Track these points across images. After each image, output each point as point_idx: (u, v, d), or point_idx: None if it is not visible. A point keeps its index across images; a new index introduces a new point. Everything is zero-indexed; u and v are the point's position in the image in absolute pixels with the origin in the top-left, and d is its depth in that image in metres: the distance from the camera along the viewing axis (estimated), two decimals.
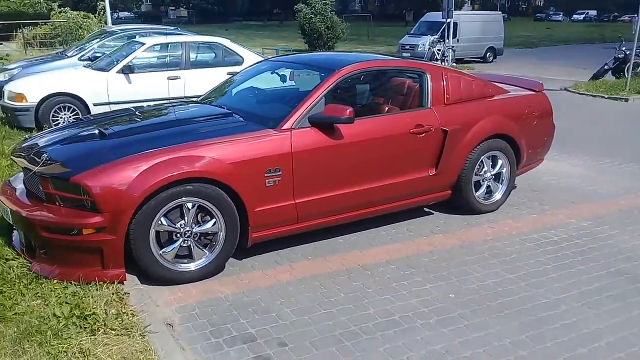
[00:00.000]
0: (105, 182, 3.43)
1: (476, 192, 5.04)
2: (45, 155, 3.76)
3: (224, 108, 4.56)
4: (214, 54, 9.13)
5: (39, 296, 3.33)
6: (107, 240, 3.46)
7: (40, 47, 20.76)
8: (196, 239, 3.74)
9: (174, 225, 3.64)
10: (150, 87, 8.32)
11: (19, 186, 3.98)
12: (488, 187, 5.13)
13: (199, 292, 3.62)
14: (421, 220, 4.93)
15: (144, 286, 3.63)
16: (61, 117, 7.97)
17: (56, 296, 3.32)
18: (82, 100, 8.05)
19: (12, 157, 4.25)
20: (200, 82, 8.21)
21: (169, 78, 8.48)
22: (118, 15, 72.84)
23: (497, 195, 5.18)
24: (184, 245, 3.70)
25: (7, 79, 9.61)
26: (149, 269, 3.61)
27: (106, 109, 7.83)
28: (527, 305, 3.48)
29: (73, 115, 8.02)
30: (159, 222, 3.57)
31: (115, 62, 8.44)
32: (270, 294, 3.60)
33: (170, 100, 6.72)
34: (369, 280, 3.81)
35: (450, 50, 18.02)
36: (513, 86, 5.68)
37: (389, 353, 2.98)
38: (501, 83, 5.72)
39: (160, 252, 3.62)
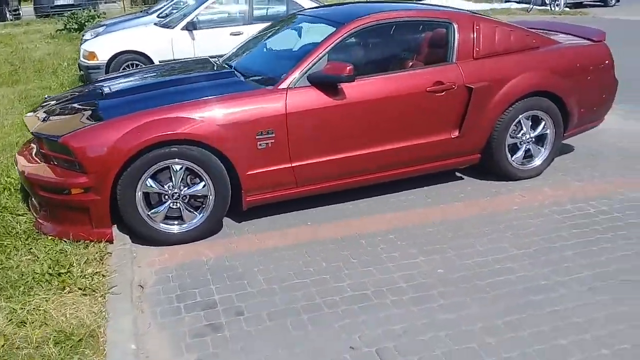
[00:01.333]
0: (90, 143, 3.49)
1: (512, 156, 4.58)
2: (45, 115, 3.90)
3: (231, 67, 4.45)
4: (279, 8, 8.98)
5: (30, 252, 3.51)
6: (94, 200, 3.55)
7: (143, 4, 21.65)
8: (186, 201, 3.73)
9: (162, 187, 3.66)
10: (213, 43, 8.35)
11: (35, 146, 4.18)
12: (528, 150, 4.65)
13: (185, 254, 3.64)
14: (446, 186, 4.58)
15: (135, 246, 3.70)
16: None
17: (46, 252, 3.48)
18: (149, 58, 8.29)
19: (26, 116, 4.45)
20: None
21: (231, 34, 8.48)
22: None
23: (538, 160, 4.68)
24: (174, 207, 3.72)
25: (92, 37, 10.11)
26: (136, 230, 3.67)
27: None
28: (519, 286, 3.13)
29: None
30: (146, 184, 3.60)
31: (181, 19, 8.57)
32: (251, 260, 3.53)
33: (188, 59, 6.67)
34: (358, 250, 3.61)
35: None
36: (569, 35, 5.03)
37: (342, 329, 2.81)
38: (555, 32, 5.10)
39: (149, 213, 3.67)
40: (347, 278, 3.29)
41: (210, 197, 3.74)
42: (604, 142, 5.44)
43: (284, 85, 3.83)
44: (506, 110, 4.38)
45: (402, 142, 4.15)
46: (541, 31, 5.09)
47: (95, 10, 15.82)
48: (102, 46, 8.40)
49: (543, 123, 4.59)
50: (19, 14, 19.46)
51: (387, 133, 4.10)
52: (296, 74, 3.87)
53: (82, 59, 8.55)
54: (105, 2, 23.78)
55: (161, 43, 8.34)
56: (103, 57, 8.25)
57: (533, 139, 4.62)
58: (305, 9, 6.04)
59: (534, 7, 17.89)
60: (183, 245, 3.73)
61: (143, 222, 3.65)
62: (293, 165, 3.88)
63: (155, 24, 9.20)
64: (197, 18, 8.44)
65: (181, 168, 3.64)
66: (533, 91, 4.42)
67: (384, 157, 4.14)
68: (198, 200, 3.78)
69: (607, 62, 4.80)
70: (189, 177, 3.71)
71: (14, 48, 12.09)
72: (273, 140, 3.77)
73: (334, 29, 4.10)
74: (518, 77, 4.36)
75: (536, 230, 3.79)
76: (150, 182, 3.61)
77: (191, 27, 8.34)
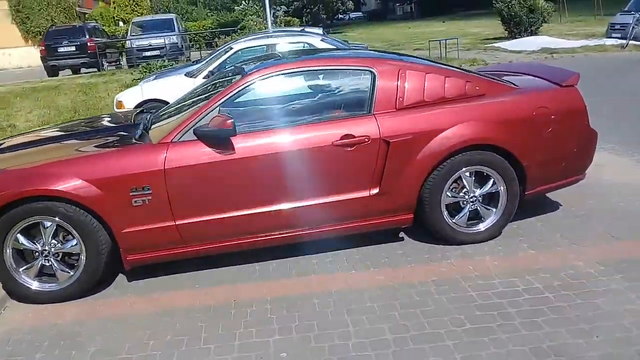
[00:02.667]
0: None
1: (454, 217, 3.99)
2: None
3: (142, 122, 4.32)
4: None
5: None
6: None
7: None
8: (58, 258, 3.61)
9: (33, 243, 3.57)
10: None
11: None
12: (475, 211, 4.03)
13: (48, 314, 3.49)
14: (378, 247, 4.07)
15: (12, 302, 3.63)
16: None
17: None
18: None
19: None
20: None
21: None
22: (349, 17, 76.42)
23: (487, 222, 4.03)
24: (47, 264, 3.61)
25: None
26: (5, 286, 3.59)
27: None
28: None
29: None
30: (15, 240, 3.53)
31: (204, 68, 8.72)
32: (103, 326, 3.30)
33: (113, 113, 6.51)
34: (219, 321, 3.25)
35: None
36: (537, 78, 4.36)
37: None
38: (515, 74, 4.47)
39: (21, 269, 3.58)
40: (177, 357, 2.94)
41: (82, 255, 3.58)
42: (602, 199, 4.61)
43: (167, 139, 3.63)
44: (438, 165, 3.83)
45: (308, 200, 3.75)
46: (509, 74, 4.50)
47: (176, 61, 16.71)
48: (129, 95, 8.74)
49: (491, 180, 3.97)
50: (120, 64, 21.13)
51: (289, 190, 3.72)
52: (183, 127, 3.65)
53: (114, 107, 8.94)
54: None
55: (182, 92, 8.50)
56: (129, 105, 8.56)
57: (480, 199, 4.00)
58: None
59: (630, 42, 16.27)
60: (49, 305, 3.58)
61: (11, 278, 3.56)
62: (177, 223, 3.63)
63: (185, 73, 9.45)
64: (217, 68, 8.53)
65: (51, 225, 3.52)
66: (471, 144, 3.84)
67: (287, 216, 3.76)
68: (72, 258, 3.63)
69: (576, 110, 4.08)
70: (62, 234, 3.59)
71: (88, 96, 13.02)
72: (150, 197, 3.55)
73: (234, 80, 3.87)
74: (451, 129, 3.81)
75: (432, 310, 3.20)
76: (20, 237, 3.53)
77: (211, 75, 8.44)
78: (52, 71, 18.51)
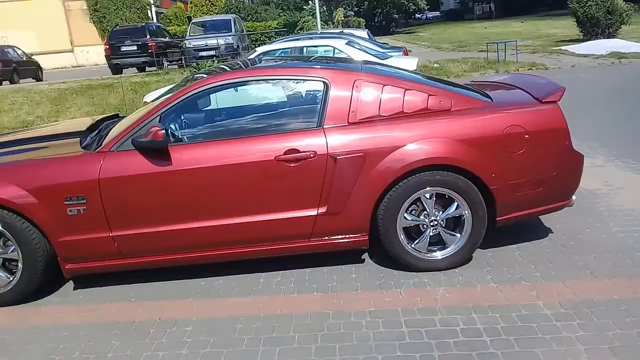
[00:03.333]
0: None
1: (413, 242, 3.68)
2: None
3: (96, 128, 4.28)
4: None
5: None
6: None
7: None
8: None
9: None
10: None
11: None
12: (438, 236, 3.71)
13: None
14: (333, 269, 3.81)
15: None
16: None
17: None
18: None
19: None
20: None
21: None
22: (426, 16, 75.11)
23: (450, 249, 3.69)
24: None
25: None
26: None
27: None
28: None
29: None
30: None
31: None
32: (22, 336, 3.27)
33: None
34: (134, 340, 3.13)
35: None
36: (523, 92, 3.95)
37: None
38: (502, 87, 4.08)
39: None
40: None
41: (19, 262, 3.57)
42: (601, 227, 4.14)
43: (105, 148, 3.56)
44: (393, 185, 3.54)
45: (250, 217, 3.57)
46: (496, 86, 4.13)
47: (229, 60, 16.89)
48: (155, 96, 8.85)
49: (455, 204, 3.63)
50: (182, 63, 21.65)
51: (230, 205, 3.56)
52: (122, 136, 3.57)
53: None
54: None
55: None
56: None
57: (442, 223, 3.67)
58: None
59: None
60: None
61: None
62: (113, 234, 3.55)
63: None
64: None
65: None
66: (428, 164, 3.53)
67: (228, 232, 3.59)
68: (12, 264, 3.63)
69: (555, 129, 3.66)
70: (2, 239, 3.59)
71: (137, 95, 13.39)
72: (85, 207, 3.49)
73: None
74: (407, 147, 3.52)
75: (351, 346, 2.93)
76: None
77: None
78: (116, 69, 19.21)
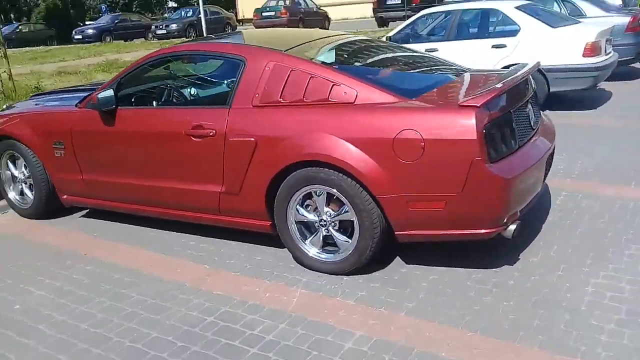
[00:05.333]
0: None
1: (306, 238, 3.53)
2: None
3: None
4: (486, 23, 7.78)
5: None
6: None
7: None
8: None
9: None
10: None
11: None
12: (330, 238, 3.47)
13: None
14: (262, 251, 3.86)
15: None
16: None
17: None
18: None
19: None
20: (459, 55, 7.43)
21: (426, 50, 7.95)
22: None
23: (340, 255, 3.42)
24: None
25: None
26: None
27: None
28: None
29: None
30: None
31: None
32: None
33: None
34: (47, 264, 3.85)
35: None
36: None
37: None
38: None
39: None
40: None
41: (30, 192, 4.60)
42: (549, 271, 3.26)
43: (82, 105, 4.24)
44: (284, 176, 3.42)
45: (168, 182, 3.88)
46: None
47: None
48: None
49: (344, 206, 3.33)
50: None
51: (153, 168, 3.92)
52: (92, 96, 4.20)
53: None
54: None
55: None
56: None
57: (334, 224, 3.41)
58: None
59: None
60: None
61: None
62: (83, 177, 4.29)
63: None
64: (398, 32, 8.28)
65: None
66: (310, 160, 3.30)
67: (152, 192, 3.98)
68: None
69: (462, 140, 2.96)
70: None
71: None
72: (64, 151, 4.29)
73: None
74: (293, 139, 3.34)
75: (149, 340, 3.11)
76: None
77: (389, 41, 8.26)
78: (381, 22, 19.95)
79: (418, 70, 4.07)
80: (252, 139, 3.44)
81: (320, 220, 3.42)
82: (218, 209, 3.75)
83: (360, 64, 3.95)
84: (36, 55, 19.65)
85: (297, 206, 3.45)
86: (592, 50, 7.01)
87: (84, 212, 4.77)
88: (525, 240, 3.69)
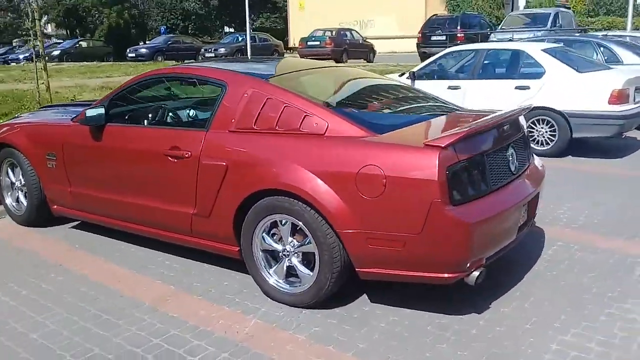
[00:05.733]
0: None
1: (270, 267, 3.47)
2: None
3: None
4: (512, 64, 7.63)
5: None
6: None
7: None
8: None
9: None
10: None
11: None
12: (292, 268, 3.40)
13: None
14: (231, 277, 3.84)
15: None
16: None
17: None
18: None
19: None
20: (482, 94, 7.37)
21: (449, 87, 7.86)
22: None
23: (301, 287, 3.33)
24: None
25: None
26: None
27: None
28: None
29: None
30: None
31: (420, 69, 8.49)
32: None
33: None
34: (24, 272, 3.90)
35: None
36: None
37: None
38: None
39: None
40: None
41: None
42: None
43: (76, 120, 4.33)
44: (251, 203, 3.39)
45: (145, 200, 3.89)
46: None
47: None
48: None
49: (308, 238, 3.27)
50: None
51: (131, 185, 3.96)
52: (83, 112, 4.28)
53: None
54: None
55: None
56: None
57: (298, 255, 3.35)
58: None
59: None
60: None
61: None
62: (71, 190, 4.36)
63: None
64: (425, 69, 8.22)
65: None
66: (274, 188, 3.26)
67: (133, 210, 4.00)
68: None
69: (423, 180, 2.86)
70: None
71: None
72: (55, 163, 4.38)
73: None
74: (261, 166, 3.32)
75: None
76: None
77: (412, 76, 8.20)
78: (424, 57, 19.85)
79: (401, 107, 3.99)
80: (224, 164, 3.43)
81: (284, 250, 3.35)
82: (190, 230, 3.73)
83: (342, 97, 3.92)
84: (87, 70, 20.40)
85: (264, 234, 3.40)
86: (618, 97, 6.75)
87: (75, 223, 4.83)
88: (502, 288, 3.53)
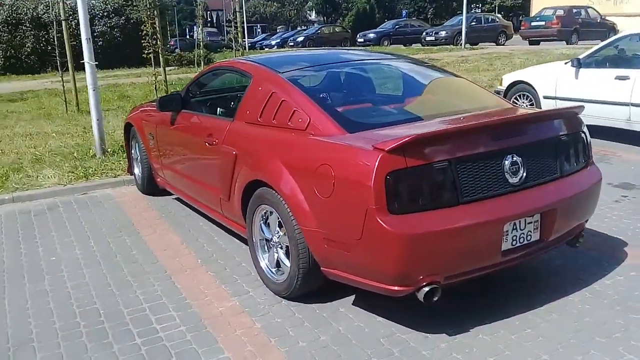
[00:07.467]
0: None
1: (265, 252, 3.65)
2: None
3: None
4: None
5: None
6: None
7: None
8: None
9: None
10: (594, 86, 7.05)
11: None
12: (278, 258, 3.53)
13: None
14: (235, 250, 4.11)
15: None
16: (519, 103, 8.21)
17: None
18: (534, 89, 7.94)
19: None
20: None
21: (616, 78, 6.82)
22: None
23: (282, 277, 3.44)
24: None
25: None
26: None
27: (552, 104, 7.53)
28: None
29: (528, 102, 8.07)
30: None
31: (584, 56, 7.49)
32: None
33: None
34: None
35: None
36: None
37: None
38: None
39: None
40: None
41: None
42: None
43: None
44: (247, 191, 3.62)
45: (196, 182, 4.39)
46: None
47: None
48: (509, 76, 8.64)
49: (284, 229, 3.37)
50: None
51: (191, 166, 4.47)
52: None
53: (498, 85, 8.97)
54: None
55: (548, 77, 7.74)
56: (504, 84, 8.50)
57: (282, 246, 3.45)
58: None
59: None
60: None
61: None
62: (161, 165, 5.06)
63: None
64: (591, 54, 7.25)
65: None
66: (259, 179, 3.43)
67: (192, 188, 4.51)
68: None
69: (360, 184, 2.72)
70: None
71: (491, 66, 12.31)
72: (153, 142, 5.11)
73: None
74: (256, 157, 3.51)
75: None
76: None
77: (577, 63, 7.30)
78: None
79: (409, 105, 3.68)
80: (234, 153, 3.68)
81: (271, 240, 3.49)
82: (221, 210, 4.08)
83: (345, 91, 3.85)
84: None
85: (261, 222, 3.57)
86: None
87: (176, 195, 5.53)
88: (488, 310, 3.17)
